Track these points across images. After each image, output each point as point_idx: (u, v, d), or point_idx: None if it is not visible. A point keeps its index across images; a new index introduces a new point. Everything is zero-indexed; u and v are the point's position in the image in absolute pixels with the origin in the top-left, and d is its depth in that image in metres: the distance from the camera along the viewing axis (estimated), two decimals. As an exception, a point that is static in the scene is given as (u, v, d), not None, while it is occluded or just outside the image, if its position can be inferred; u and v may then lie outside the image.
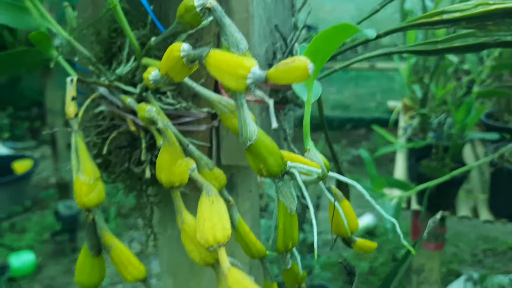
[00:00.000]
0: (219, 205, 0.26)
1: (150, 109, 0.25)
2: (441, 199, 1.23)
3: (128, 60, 0.35)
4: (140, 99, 0.35)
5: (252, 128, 0.26)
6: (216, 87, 0.37)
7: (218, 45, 0.36)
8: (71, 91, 0.31)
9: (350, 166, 2.90)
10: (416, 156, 1.32)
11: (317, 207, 1.96)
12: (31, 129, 3.40)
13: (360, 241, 0.35)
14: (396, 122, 1.67)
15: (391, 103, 2.18)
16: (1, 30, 1.58)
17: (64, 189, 2.23)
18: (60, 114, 2.18)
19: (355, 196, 0.43)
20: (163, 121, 0.24)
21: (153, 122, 0.25)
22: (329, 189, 0.33)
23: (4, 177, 2.37)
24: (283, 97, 0.39)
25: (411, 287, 1.37)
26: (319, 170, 0.27)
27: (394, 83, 3.53)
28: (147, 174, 0.37)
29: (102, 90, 0.35)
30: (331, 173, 0.28)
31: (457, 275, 1.97)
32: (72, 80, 0.32)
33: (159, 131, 0.33)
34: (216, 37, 0.36)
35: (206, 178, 0.34)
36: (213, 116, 0.37)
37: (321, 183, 0.32)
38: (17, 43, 1.67)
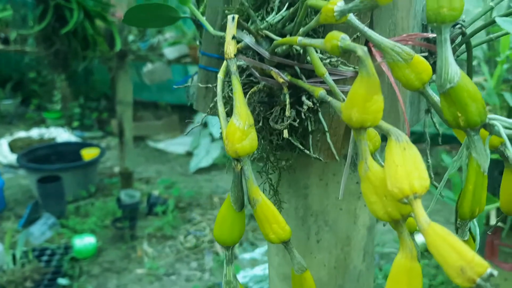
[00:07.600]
0: (413, 152, 0.22)
1: (345, 37, 0.23)
2: (529, 217, 1.13)
3: (279, 9, 0.33)
4: (288, 52, 0.33)
5: (454, 69, 0.23)
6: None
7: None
8: (231, 29, 0.30)
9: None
10: (500, 168, 1.22)
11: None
12: (99, 120, 3.55)
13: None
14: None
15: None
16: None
17: (127, 178, 2.29)
18: (129, 106, 2.25)
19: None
20: (362, 48, 0.21)
21: (346, 51, 0.23)
22: None
23: (73, 162, 2.49)
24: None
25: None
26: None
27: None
28: (285, 134, 0.34)
29: (248, 40, 0.33)
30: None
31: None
32: (233, 18, 0.30)
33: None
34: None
35: (360, 137, 0.31)
36: (360, 77, 0.34)
37: (507, 139, 0.28)
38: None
